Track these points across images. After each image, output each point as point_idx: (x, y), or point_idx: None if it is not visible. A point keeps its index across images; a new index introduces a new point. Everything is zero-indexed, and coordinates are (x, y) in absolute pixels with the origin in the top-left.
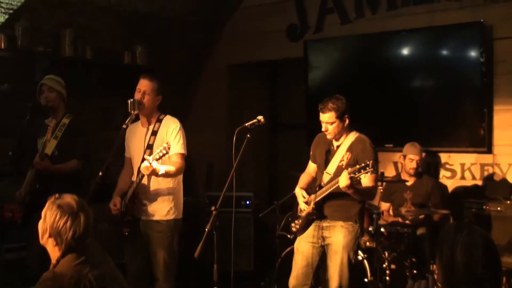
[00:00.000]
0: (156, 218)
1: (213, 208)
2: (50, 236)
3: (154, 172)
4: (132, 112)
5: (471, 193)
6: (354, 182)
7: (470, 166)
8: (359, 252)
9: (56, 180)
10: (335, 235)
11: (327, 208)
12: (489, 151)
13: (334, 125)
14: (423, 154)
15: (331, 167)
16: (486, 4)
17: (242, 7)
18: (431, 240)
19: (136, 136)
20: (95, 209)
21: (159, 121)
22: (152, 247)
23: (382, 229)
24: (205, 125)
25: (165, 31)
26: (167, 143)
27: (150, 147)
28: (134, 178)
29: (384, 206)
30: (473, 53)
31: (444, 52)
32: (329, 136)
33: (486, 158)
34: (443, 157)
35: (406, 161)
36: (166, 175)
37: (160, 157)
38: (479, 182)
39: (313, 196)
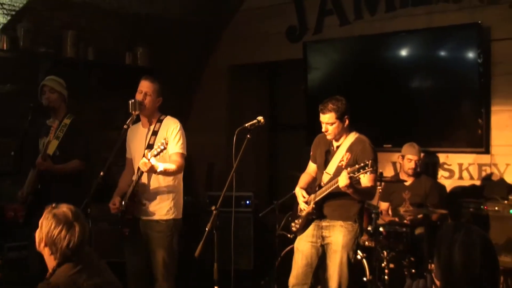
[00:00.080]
0: (155, 217)
1: (213, 207)
2: (45, 245)
3: (152, 169)
4: (133, 112)
5: (469, 193)
6: (354, 182)
7: (468, 166)
8: (358, 251)
9: (57, 180)
10: (335, 234)
11: (326, 207)
12: (487, 151)
13: (334, 125)
14: (422, 154)
15: (331, 167)
16: (483, 5)
17: (243, 9)
18: (429, 240)
19: (137, 137)
20: (96, 209)
21: (160, 121)
22: (152, 247)
23: (381, 229)
24: (206, 126)
25: (166, 32)
26: (165, 138)
27: (150, 147)
28: (134, 177)
29: (383, 205)
30: (471, 54)
31: (442, 53)
32: (329, 137)
33: (484, 158)
34: (441, 157)
35: (404, 161)
36: (165, 173)
37: (158, 153)
38: (477, 182)
39: (312, 196)
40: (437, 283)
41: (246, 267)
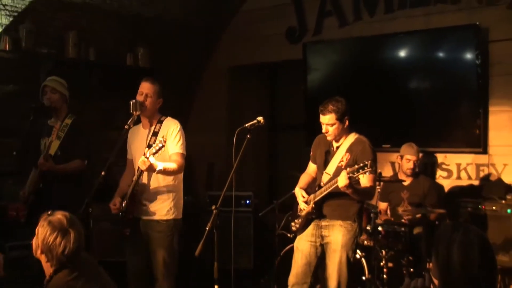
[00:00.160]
0: (156, 217)
1: (213, 207)
2: (42, 252)
3: (151, 168)
4: (134, 113)
5: (467, 193)
6: (353, 182)
7: (466, 166)
8: (357, 250)
9: (58, 180)
10: (334, 234)
11: (326, 207)
12: (485, 151)
13: (334, 126)
14: (420, 155)
15: (331, 168)
16: (481, 6)
17: (243, 11)
18: (427, 239)
19: (138, 138)
20: (97, 209)
21: (160, 122)
22: (152, 247)
23: (379, 228)
24: (206, 126)
25: (166, 33)
26: (163, 137)
27: (150, 147)
28: (135, 178)
29: (382, 205)
30: (469, 55)
31: (441, 54)
32: (329, 138)
33: (482, 159)
34: (440, 157)
35: (403, 161)
36: (165, 172)
37: (157, 151)
38: (475, 182)
39: (312, 195)
40: (435, 282)
41: (246, 266)
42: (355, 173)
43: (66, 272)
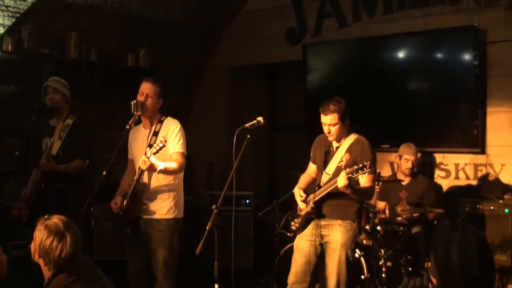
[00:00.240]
0: (156, 217)
1: (213, 206)
2: (39, 256)
3: (152, 167)
4: (135, 113)
5: (465, 193)
6: (352, 182)
7: (464, 166)
8: (356, 249)
9: (60, 180)
10: (334, 233)
11: (325, 207)
12: (483, 151)
13: (336, 126)
14: (419, 155)
15: (330, 168)
16: (480, 8)
17: (243, 11)
18: (426, 239)
19: (139, 138)
20: (99, 208)
21: (160, 122)
22: (152, 246)
23: (378, 228)
24: (206, 126)
25: (167, 34)
26: (164, 137)
27: (151, 147)
28: (135, 177)
29: (380, 204)
30: (467, 56)
31: (439, 55)
32: (331, 138)
33: (480, 159)
34: (438, 157)
35: (401, 161)
36: (166, 171)
37: (158, 151)
38: (473, 182)
39: (312, 195)
40: (434, 281)
41: (246, 265)
42: (354, 173)
43: (64, 276)
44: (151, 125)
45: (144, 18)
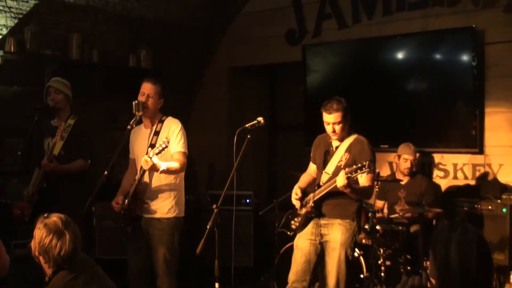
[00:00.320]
0: (157, 216)
1: (214, 206)
2: (39, 254)
3: (154, 168)
4: (137, 113)
5: (464, 192)
6: (352, 182)
7: (463, 166)
8: (355, 249)
9: (62, 180)
10: (333, 232)
11: (325, 206)
12: (481, 151)
13: (340, 125)
14: (417, 155)
15: (330, 167)
16: (478, 9)
17: (243, 13)
18: (424, 238)
19: (140, 138)
20: (100, 208)
21: (161, 122)
22: (153, 244)
23: (377, 227)
24: (207, 126)
25: (168, 35)
26: (166, 137)
27: (153, 146)
28: (137, 177)
29: (379, 204)
30: (465, 57)
31: (438, 56)
32: (335, 137)
33: (478, 159)
34: (437, 157)
35: (400, 161)
36: (168, 171)
37: (160, 151)
38: (471, 182)
39: (311, 195)
40: (432, 281)
41: (246, 264)
42: (354, 173)
43: (64, 273)
44: (152, 125)
45: (145, 19)
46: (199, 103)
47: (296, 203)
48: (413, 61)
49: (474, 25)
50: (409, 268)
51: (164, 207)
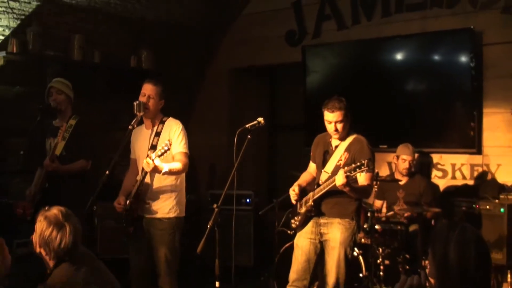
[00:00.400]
0: (158, 216)
1: (215, 205)
2: (40, 246)
3: (156, 170)
4: (138, 113)
5: (462, 192)
6: (350, 181)
7: (461, 167)
8: (355, 248)
9: (64, 180)
10: (333, 231)
11: (324, 205)
12: (479, 152)
13: (342, 123)
14: (416, 155)
15: (329, 166)
16: (476, 11)
17: (243, 14)
18: (423, 237)
19: (141, 138)
20: (102, 207)
21: (162, 123)
22: (154, 244)
23: (376, 226)
24: (208, 127)
25: (169, 36)
26: (169, 140)
27: (154, 147)
28: (139, 177)
29: (377, 203)
30: (463, 58)
31: (436, 57)
32: (336, 136)
33: (476, 159)
34: (435, 157)
35: (399, 161)
36: (171, 173)
37: (162, 154)
38: (469, 182)
39: (311, 193)
40: (431, 280)
41: (246, 263)
42: (352, 171)
43: (65, 266)
44: (153, 126)
45: (146, 21)
46: (200, 104)
47: (293, 194)
48: (412, 62)
49: (472, 26)
50: (407, 267)
51: (165, 207)
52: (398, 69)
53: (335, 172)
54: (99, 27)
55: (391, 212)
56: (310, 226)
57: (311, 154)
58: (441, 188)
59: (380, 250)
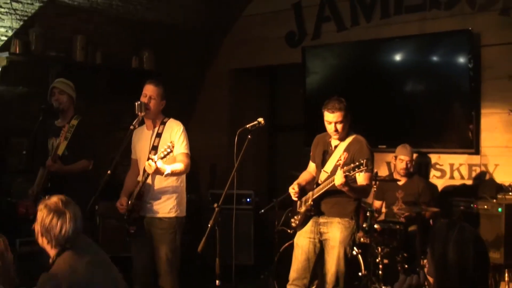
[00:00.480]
0: (159, 215)
1: (215, 205)
2: (41, 235)
3: (158, 172)
4: (139, 113)
5: (460, 192)
6: (349, 180)
7: (459, 167)
8: (354, 247)
9: (65, 180)
10: (332, 230)
11: (324, 205)
12: (477, 152)
13: (342, 124)
14: (414, 155)
15: (329, 166)
16: (474, 12)
17: (244, 15)
18: (421, 237)
19: (142, 138)
20: (104, 206)
21: (163, 123)
22: (155, 244)
23: (375, 226)
24: (208, 127)
25: (170, 37)
26: (171, 142)
27: (155, 148)
28: (140, 178)
29: (377, 203)
30: (461, 59)
31: (435, 58)
32: (336, 136)
33: (474, 159)
34: (433, 157)
35: (397, 161)
36: (173, 174)
37: (165, 156)
38: (468, 182)
39: (310, 193)
40: (430, 279)
41: (246, 262)
42: (351, 171)
43: (68, 254)
44: (154, 127)
45: (147, 22)
46: (201, 104)
47: (292, 191)
48: (410, 63)
49: (470, 28)
50: (406, 266)
51: (166, 207)
52: (397, 70)
53: (334, 171)
54: (100, 28)
55: (397, 213)
56: (309, 225)
57: (311, 154)
58: (440, 188)
59: (379, 249)
